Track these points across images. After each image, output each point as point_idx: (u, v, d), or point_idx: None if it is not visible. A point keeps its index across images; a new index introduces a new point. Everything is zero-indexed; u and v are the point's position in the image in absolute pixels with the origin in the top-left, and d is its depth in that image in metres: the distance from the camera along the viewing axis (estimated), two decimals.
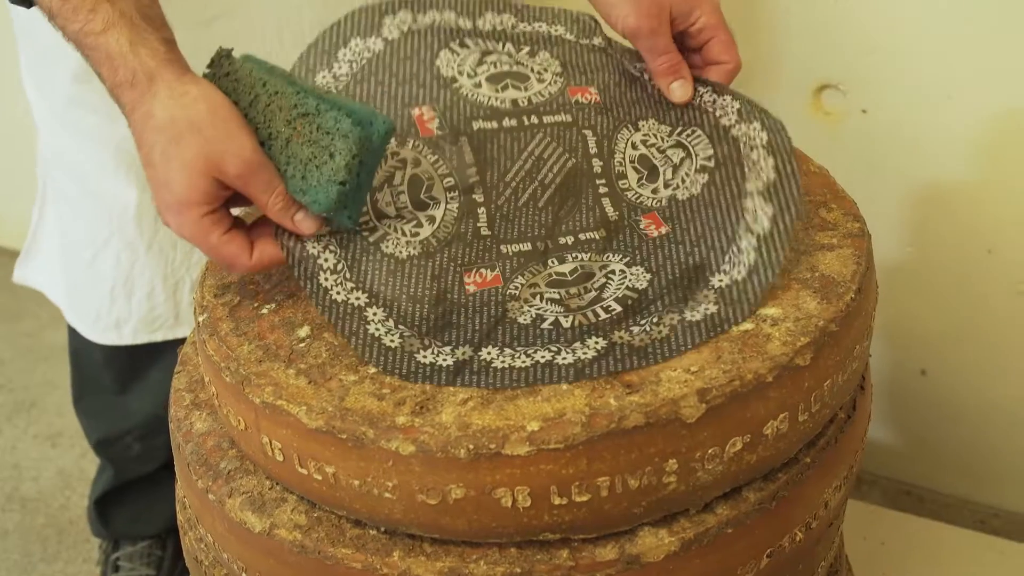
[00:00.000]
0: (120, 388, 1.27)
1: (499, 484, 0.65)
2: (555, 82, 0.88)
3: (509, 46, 0.90)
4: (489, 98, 0.86)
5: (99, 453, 1.35)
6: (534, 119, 0.85)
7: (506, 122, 0.85)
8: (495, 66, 0.88)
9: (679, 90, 0.86)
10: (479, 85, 0.86)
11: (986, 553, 1.22)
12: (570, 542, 0.68)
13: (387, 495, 0.67)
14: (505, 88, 0.87)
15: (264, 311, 0.77)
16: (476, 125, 0.84)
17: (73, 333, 1.25)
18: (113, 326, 1.16)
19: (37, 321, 1.96)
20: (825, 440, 0.75)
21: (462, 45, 0.88)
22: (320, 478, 0.69)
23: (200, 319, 0.77)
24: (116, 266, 1.13)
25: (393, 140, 0.80)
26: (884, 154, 1.22)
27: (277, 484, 0.74)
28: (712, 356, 0.68)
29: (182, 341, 1.16)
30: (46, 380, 1.84)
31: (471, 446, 0.64)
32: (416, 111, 0.83)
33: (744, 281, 0.73)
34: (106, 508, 1.38)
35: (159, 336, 1.16)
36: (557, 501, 0.65)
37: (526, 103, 0.86)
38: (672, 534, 0.69)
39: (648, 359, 0.68)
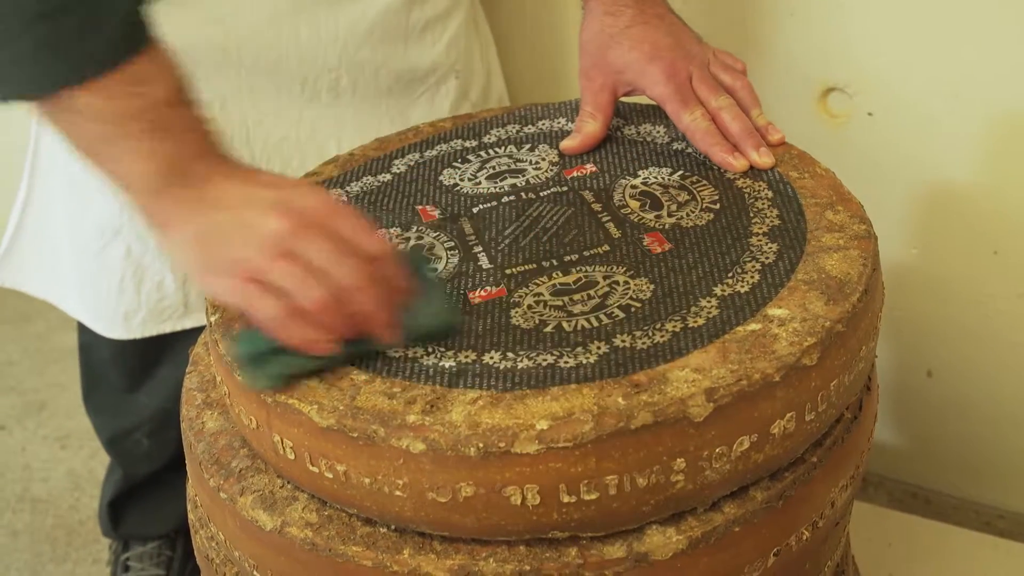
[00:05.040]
0: (129, 385, 1.28)
1: (508, 482, 0.65)
2: (551, 169, 0.93)
3: (511, 148, 0.96)
4: (488, 188, 0.91)
5: (109, 451, 1.36)
6: (531, 195, 0.89)
7: (504, 200, 0.89)
8: (494, 168, 0.94)
9: (739, 164, 0.89)
10: (479, 184, 0.91)
11: (992, 554, 1.22)
12: (579, 540, 0.69)
13: (397, 493, 0.67)
14: (503, 179, 0.92)
15: None
16: (475, 209, 0.88)
17: (82, 328, 1.25)
18: (122, 319, 1.16)
19: (47, 323, 1.96)
20: (832, 440, 0.76)
21: (464, 161, 0.95)
22: (331, 476, 0.69)
23: (212, 319, 0.78)
24: (126, 256, 1.13)
25: (396, 227, 0.86)
26: (890, 156, 1.23)
27: (288, 482, 0.74)
28: (719, 356, 0.69)
29: (191, 333, 1.16)
30: (56, 382, 1.85)
31: (481, 444, 0.65)
32: (420, 207, 0.89)
33: (747, 294, 0.74)
34: (116, 509, 1.39)
35: (168, 327, 1.16)
36: (566, 499, 0.66)
37: (524, 184, 0.90)
38: (680, 532, 0.69)
39: (650, 363, 0.69)
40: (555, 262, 0.80)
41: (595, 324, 0.73)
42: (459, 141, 0.98)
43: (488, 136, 0.98)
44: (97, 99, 0.65)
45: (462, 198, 0.89)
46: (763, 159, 0.88)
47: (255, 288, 0.68)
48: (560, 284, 0.78)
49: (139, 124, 0.67)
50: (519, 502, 0.66)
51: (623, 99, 0.98)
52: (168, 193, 0.68)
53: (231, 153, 0.72)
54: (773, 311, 0.72)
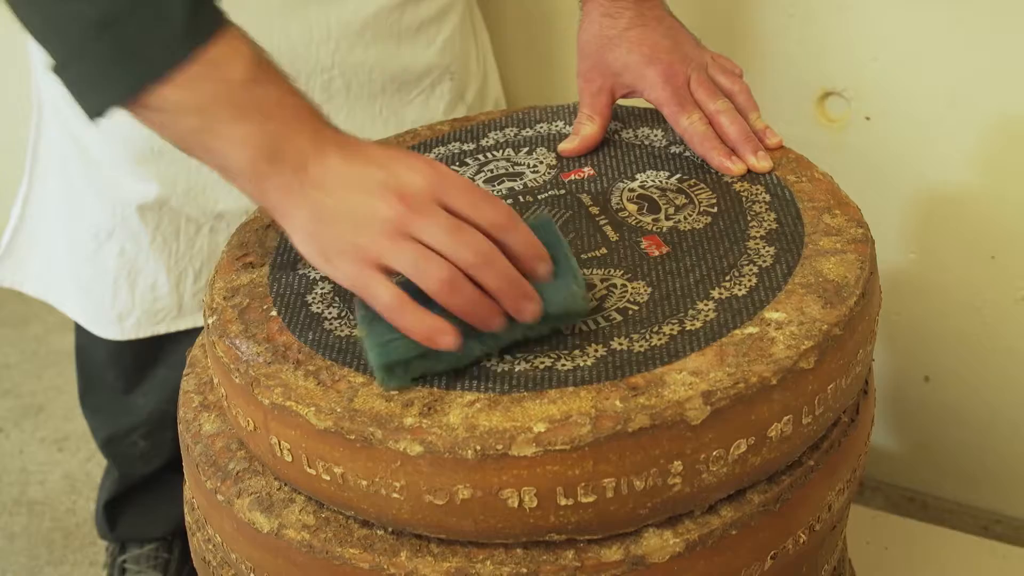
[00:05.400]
0: (125, 386, 1.28)
1: (506, 485, 0.65)
2: (548, 172, 0.93)
3: (509, 151, 0.96)
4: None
5: (105, 452, 1.36)
6: (529, 198, 0.89)
7: None
8: (492, 171, 0.93)
9: (737, 167, 0.89)
10: None
11: (989, 558, 1.23)
12: (576, 543, 0.69)
13: (395, 495, 0.67)
14: (501, 183, 0.91)
15: (273, 313, 0.77)
16: None
17: (79, 329, 1.25)
18: (116, 320, 1.16)
19: (45, 326, 1.96)
20: (829, 443, 0.76)
21: (462, 164, 0.94)
22: (328, 478, 0.69)
23: (210, 321, 0.78)
24: (120, 257, 1.13)
25: None
26: (887, 161, 1.23)
27: (285, 485, 0.74)
28: (717, 359, 0.69)
29: (185, 334, 1.17)
30: (53, 385, 1.85)
31: (478, 447, 0.65)
32: None
33: (745, 297, 0.74)
34: (113, 511, 1.39)
35: (162, 328, 1.17)
36: (563, 502, 0.66)
37: (521, 187, 0.90)
38: (677, 535, 0.69)
39: (648, 366, 0.69)
40: None
41: (592, 327, 0.73)
42: (457, 144, 0.98)
43: (486, 139, 0.98)
44: (177, 93, 0.65)
45: None
46: (761, 163, 0.88)
47: (373, 273, 0.66)
48: None
49: (224, 111, 0.65)
50: (516, 505, 0.66)
51: (620, 102, 0.98)
52: (271, 180, 0.67)
53: (329, 122, 0.69)
54: (770, 314, 0.72)
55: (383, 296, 0.66)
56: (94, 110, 0.67)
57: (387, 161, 0.68)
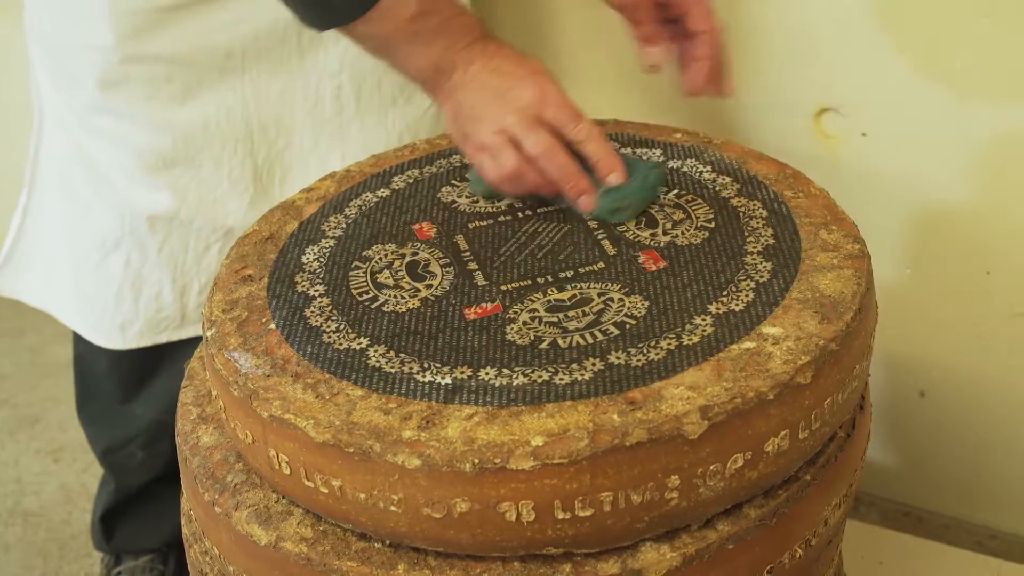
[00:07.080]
0: (124, 396, 1.28)
1: (503, 498, 0.66)
2: None
3: None
4: (485, 206, 0.91)
5: (103, 462, 1.36)
6: (527, 212, 0.90)
7: (500, 219, 0.89)
8: None
9: (654, 55, 1.00)
10: (476, 201, 0.92)
11: (983, 573, 1.23)
12: (573, 556, 0.69)
13: (392, 508, 0.67)
14: (501, 199, 0.92)
15: (272, 326, 0.78)
16: (472, 225, 0.89)
17: (77, 339, 1.25)
18: (118, 329, 1.16)
19: (40, 336, 1.96)
20: (825, 458, 0.76)
21: (463, 179, 0.95)
22: (326, 491, 0.69)
23: (208, 334, 0.78)
24: (126, 267, 1.13)
25: (392, 243, 0.88)
26: (883, 176, 1.23)
27: (283, 497, 0.75)
28: (714, 374, 0.69)
29: (186, 344, 1.17)
30: (49, 395, 1.85)
31: (476, 460, 0.65)
32: (416, 225, 0.89)
33: (742, 312, 0.75)
34: (109, 522, 1.39)
35: (164, 337, 1.17)
36: (560, 516, 0.66)
37: (520, 204, 0.91)
38: (674, 549, 0.69)
39: (645, 380, 0.69)
40: (550, 278, 0.81)
41: (590, 341, 0.73)
42: (458, 157, 0.98)
43: None
44: (363, 28, 0.87)
45: (459, 215, 0.90)
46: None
47: (482, 156, 0.88)
48: (555, 300, 0.78)
49: (397, 40, 0.88)
50: (514, 518, 0.66)
51: (619, 122, 0.98)
52: (433, 86, 0.90)
53: (480, 35, 0.89)
54: (767, 329, 0.73)
55: (488, 172, 0.88)
56: (313, 30, 0.92)
57: (509, 76, 0.88)
